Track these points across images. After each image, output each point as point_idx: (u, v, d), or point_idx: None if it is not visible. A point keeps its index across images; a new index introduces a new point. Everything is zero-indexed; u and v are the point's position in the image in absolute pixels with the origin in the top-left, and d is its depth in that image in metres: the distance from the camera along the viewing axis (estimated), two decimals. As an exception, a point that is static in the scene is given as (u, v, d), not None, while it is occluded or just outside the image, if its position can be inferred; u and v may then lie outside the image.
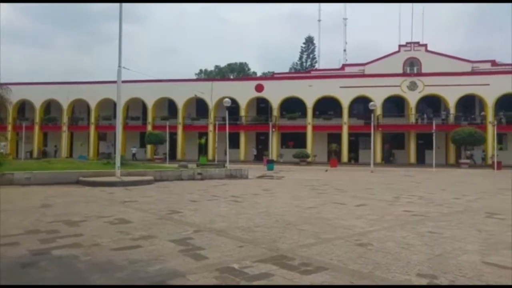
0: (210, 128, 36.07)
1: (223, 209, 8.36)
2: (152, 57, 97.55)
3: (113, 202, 9.26)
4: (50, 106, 42.24)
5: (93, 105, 39.14)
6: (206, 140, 35.36)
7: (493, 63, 35.44)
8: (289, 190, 12.58)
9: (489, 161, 30.55)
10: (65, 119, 40.17)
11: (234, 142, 34.31)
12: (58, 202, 9.12)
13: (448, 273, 4.12)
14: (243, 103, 36.25)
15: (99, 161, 24.66)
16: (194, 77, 62.33)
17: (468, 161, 31.15)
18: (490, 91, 32.52)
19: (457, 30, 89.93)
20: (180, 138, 37.37)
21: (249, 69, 67.79)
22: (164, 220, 7.00)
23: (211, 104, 36.47)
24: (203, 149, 34.97)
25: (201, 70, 68.22)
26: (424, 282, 3.88)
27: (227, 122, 20.81)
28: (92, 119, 39.36)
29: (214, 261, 4.43)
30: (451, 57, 35.67)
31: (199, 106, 38.41)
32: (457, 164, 31.79)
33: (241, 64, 67.43)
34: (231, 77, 61.33)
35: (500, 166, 27.37)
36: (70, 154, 39.58)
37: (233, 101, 32.66)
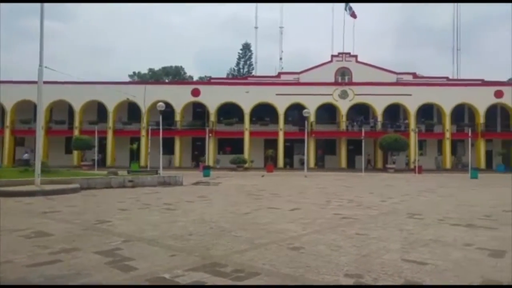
0: (143, 133, 34.73)
1: (155, 218, 8.07)
2: (82, 58, 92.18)
3: (31, 214, 8.50)
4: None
5: (8, 107, 35.69)
6: (139, 145, 33.96)
7: (414, 75, 38.46)
8: (225, 196, 12.52)
9: (412, 166, 33.00)
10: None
11: (168, 148, 33.45)
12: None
13: (372, 272, 4.34)
14: (178, 107, 35.48)
15: (14, 168, 22.63)
16: (127, 79, 59.96)
17: (394, 165, 33.41)
18: (412, 101, 35.27)
19: (384, 43, 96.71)
20: (110, 144, 35.46)
21: (185, 73, 66.72)
22: (90, 231, 6.58)
23: (144, 108, 35.15)
24: (135, 155, 33.60)
25: (134, 73, 65.80)
26: (350, 282, 4.05)
27: (160, 127, 20.16)
28: (8, 122, 35.86)
29: (143, 272, 4.25)
30: (379, 68, 38.08)
31: (131, 110, 36.78)
32: (384, 169, 33.94)
33: (176, 67, 66.10)
34: (166, 80, 59.93)
35: (420, 170, 29.72)
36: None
37: (168, 105, 31.83)
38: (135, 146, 32.79)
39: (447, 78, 38.59)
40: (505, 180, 22.95)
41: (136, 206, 9.96)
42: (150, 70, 65.15)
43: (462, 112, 37.08)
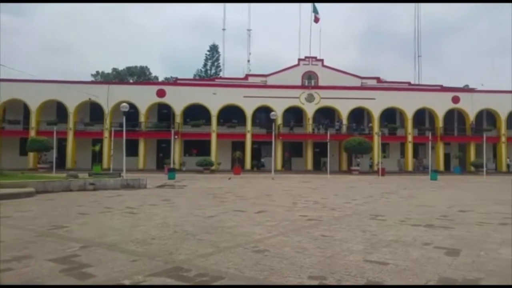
0: (106, 134, 33.69)
1: (117, 222, 7.80)
2: (41, 55, 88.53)
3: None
4: None
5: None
6: (101, 147, 32.91)
7: (378, 80, 39.64)
8: (190, 200, 12.32)
9: (375, 168, 33.92)
10: None
11: (132, 150, 32.60)
12: None
13: (336, 273, 4.37)
14: (143, 108, 34.70)
15: None
16: (90, 79, 58.06)
17: (358, 168, 34.23)
18: (376, 105, 36.34)
19: (350, 48, 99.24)
20: (71, 145, 34.04)
21: (150, 74, 65.40)
22: (44, 237, 6.24)
23: (107, 108, 34.13)
24: (97, 157, 32.54)
25: (97, 72, 63.84)
26: (315, 283, 4.05)
27: (124, 128, 19.57)
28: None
29: (102, 279, 4.08)
30: (344, 72, 38.93)
31: (94, 111, 35.56)
32: (349, 171, 34.69)
33: (141, 68, 64.65)
34: (131, 81, 58.53)
35: (383, 172, 30.61)
36: None
37: (132, 106, 31.14)
38: (97, 147, 31.72)
39: (409, 83, 40.04)
40: (461, 181, 24.10)
41: (96, 210, 9.59)
42: (114, 69, 63.46)
43: (423, 116, 38.57)
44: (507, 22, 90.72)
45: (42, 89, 33.57)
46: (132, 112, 31.32)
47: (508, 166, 36.57)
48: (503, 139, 36.80)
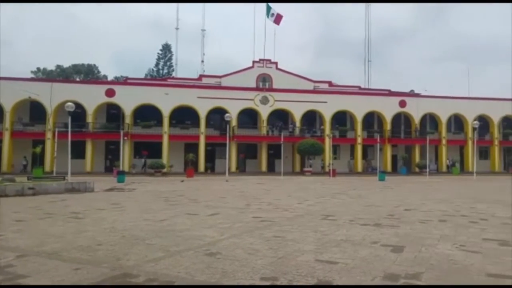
0: (48, 135, 31.84)
1: (59, 228, 7.34)
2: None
3: None
4: None
5: None
6: (43, 149, 31.01)
7: (330, 84, 40.83)
8: (140, 203, 11.92)
9: (327, 169, 34.85)
10: None
11: (79, 152, 31.17)
12: None
13: (287, 274, 4.38)
14: (90, 108, 33.22)
15: None
16: (30, 75, 54.60)
17: (311, 169, 35.00)
18: (328, 108, 37.39)
19: (304, 52, 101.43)
20: (7, 147, 31.71)
21: (99, 72, 62.88)
22: (-25, 246, 5.75)
23: (50, 108, 32.27)
24: (38, 160, 30.67)
25: (38, 69, 60.23)
26: (267, 284, 4.04)
27: (69, 129, 18.53)
28: None
29: (39, 290, 3.79)
30: (297, 75, 39.70)
31: (35, 110, 33.47)
32: (302, 172, 35.37)
33: (89, 65, 61.94)
34: (77, 79, 55.87)
35: (334, 173, 31.51)
36: None
37: (79, 105, 29.78)
38: (38, 149, 29.78)
39: (359, 87, 41.62)
40: (406, 181, 25.34)
41: (36, 216, 8.98)
42: (58, 67, 60.30)
43: (372, 119, 40.22)
44: (449, 31, 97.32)
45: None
46: (79, 112, 29.95)
47: (448, 166, 39.03)
48: (444, 141, 39.28)
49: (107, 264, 4.75)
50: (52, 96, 32.02)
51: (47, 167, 30.69)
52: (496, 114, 40.19)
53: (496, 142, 40.29)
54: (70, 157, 17.94)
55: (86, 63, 61.96)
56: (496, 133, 40.31)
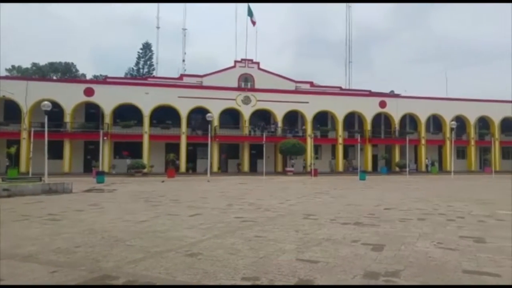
0: (24, 135, 30.95)
1: (35, 230, 7.15)
2: None
3: None
4: None
5: None
6: (18, 149, 30.13)
7: (312, 84, 41.11)
8: (120, 204, 11.74)
9: (308, 169, 35.08)
10: None
11: (56, 152, 30.44)
12: None
13: (268, 273, 4.39)
14: (68, 108, 32.45)
15: None
16: (4, 73, 52.99)
17: (292, 169, 35.18)
18: (309, 108, 37.65)
19: (286, 52, 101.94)
20: (-22, 147, 30.86)
21: (77, 71, 61.55)
22: None
23: (25, 107, 31.42)
24: (13, 160, 29.79)
25: (13, 67, 58.54)
26: (248, 284, 4.03)
27: (46, 128, 18.04)
28: None
29: (14, 294, 3.67)
30: (279, 76, 39.81)
31: (9, 109, 32.41)
32: (284, 172, 35.50)
33: (67, 64, 60.55)
34: (54, 77, 54.54)
35: (316, 173, 31.75)
36: None
37: (56, 105, 29.17)
38: (13, 149, 28.90)
39: (340, 88, 42.05)
40: (387, 181, 25.76)
41: (10, 218, 8.72)
42: (34, 64, 58.76)
43: (352, 120, 40.69)
44: (427, 34, 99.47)
45: None
46: (56, 111, 29.30)
47: (427, 166, 39.88)
48: (423, 141, 40.10)
49: (85, 267, 4.67)
50: (27, 95, 31.17)
51: (22, 168, 29.87)
52: (472, 115, 41.31)
53: (473, 142, 41.39)
54: (46, 157, 17.49)
55: (64, 61, 60.61)
56: (472, 133, 41.41)
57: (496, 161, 38.70)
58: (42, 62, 59.27)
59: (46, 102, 18.26)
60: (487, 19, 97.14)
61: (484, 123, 42.84)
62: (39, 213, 9.45)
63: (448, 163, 38.15)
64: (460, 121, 40.15)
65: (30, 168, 22.63)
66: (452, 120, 36.49)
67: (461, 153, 42.58)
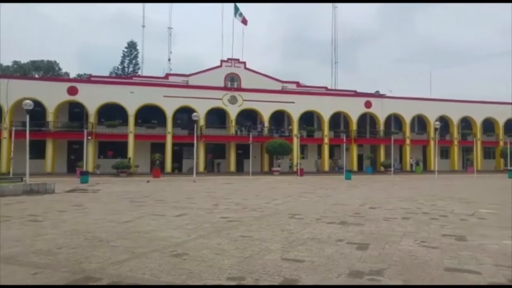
0: (5, 134, 30.19)
1: (16, 232, 7.00)
2: None
3: None
4: None
5: None
6: (-1, 149, 29.49)
7: (298, 84, 41.24)
8: (104, 204, 11.58)
9: (294, 169, 35.20)
10: None
11: (39, 152, 29.87)
12: None
13: (254, 273, 4.38)
14: (51, 107, 31.83)
15: None
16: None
17: (279, 168, 35.25)
18: (295, 108, 37.77)
19: (272, 52, 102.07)
20: (-43, 147, 30.01)
21: (60, 69, 60.44)
22: None
23: (6, 106, 30.69)
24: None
25: (-7, 64, 57.44)
26: (233, 284, 4.02)
27: (27, 128, 17.65)
28: None
29: (-7, 297, 3.59)
30: (266, 76, 39.81)
31: (-12, 108, 31.84)
32: (270, 172, 35.55)
33: (49, 62, 59.37)
34: (36, 76, 53.47)
35: (302, 172, 31.89)
36: None
37: (38, 104, 28.62)
38: None
39: (326, 88, 42.28)
40: (372, 180, 26.02)
41: (-9, 219, 8.54)
42: (15, 62, 57.54)
43: (338, 120, 40.96)
44: (413, 35, 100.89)
45: None
46: (38, 111, 28.75)
47: (411, 165, 40.44)
48: (408, 141, 40.65)
49: (68, 268, 4.60)
50: (8, 94, 30.46)
51: (3, 168, 29.21)
52: (455, 115, 42.07)
53: (456, 142, 42.15)
54: (28, 157, 17.13)
55: (46, 60, 59.48)
56: (455, 133, 42.17)
57: (478, 161, 39.45)
58: (24, 60, 58.17)
59: (27, 101, 17.86)
60: (470, 21, 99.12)
61: (466, 123, 43.66)
62: (20, 214, 9.26)
63: (432, 163, 38.73)
64: (444, 121, 40.84)
65: (11, 169, 22.17)
66: (436, 121, 37.05)
67: (444, 153, 43.30)
